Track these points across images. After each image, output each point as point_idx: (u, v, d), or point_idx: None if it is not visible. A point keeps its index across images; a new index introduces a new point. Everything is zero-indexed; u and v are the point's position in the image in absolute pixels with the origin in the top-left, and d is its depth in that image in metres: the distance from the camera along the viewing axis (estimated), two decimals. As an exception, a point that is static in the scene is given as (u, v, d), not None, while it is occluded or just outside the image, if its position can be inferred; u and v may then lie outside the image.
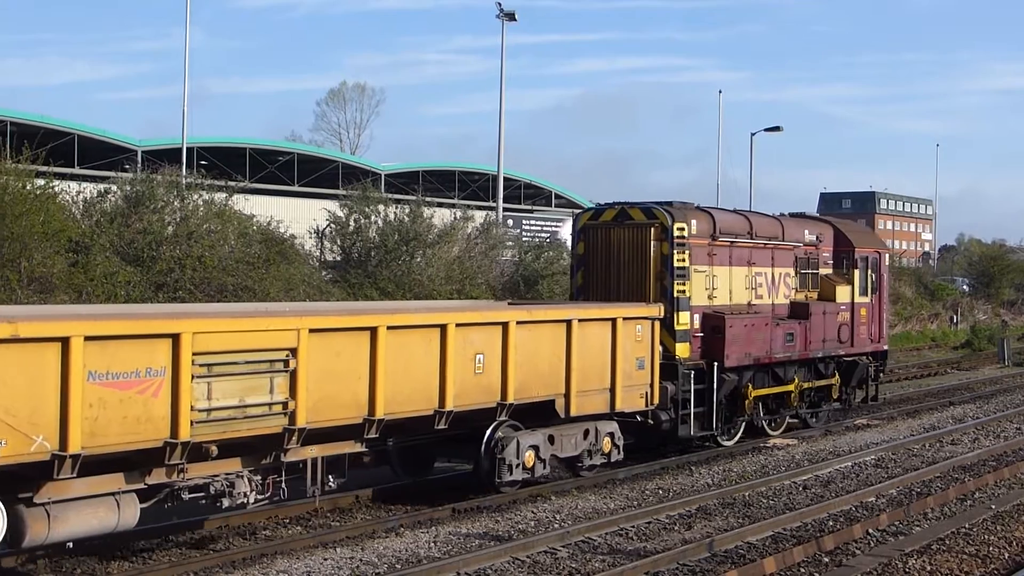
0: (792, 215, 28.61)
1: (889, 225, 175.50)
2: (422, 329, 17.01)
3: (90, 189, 32.29)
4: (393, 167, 74.14)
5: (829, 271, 27.84)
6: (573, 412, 19.37)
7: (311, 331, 15.20)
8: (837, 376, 27.58)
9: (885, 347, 30.07)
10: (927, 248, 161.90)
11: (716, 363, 23.04)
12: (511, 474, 18.46)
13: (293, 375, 14.93)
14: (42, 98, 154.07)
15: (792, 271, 26.41)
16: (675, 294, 22.57)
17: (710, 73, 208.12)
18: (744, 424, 24.95)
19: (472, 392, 17.70)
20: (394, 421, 16.60)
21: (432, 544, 16.03)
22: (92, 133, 58.33)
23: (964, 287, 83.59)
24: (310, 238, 41.37)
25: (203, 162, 53.37)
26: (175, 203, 32.27)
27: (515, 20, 49.31)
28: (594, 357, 19.79)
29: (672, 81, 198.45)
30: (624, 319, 20.39)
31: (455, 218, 42.10)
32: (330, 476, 16.36)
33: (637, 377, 20.78)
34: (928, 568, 14.88)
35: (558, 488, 19.92)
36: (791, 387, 25.81)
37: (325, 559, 15.07)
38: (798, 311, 26.11)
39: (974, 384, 39.91)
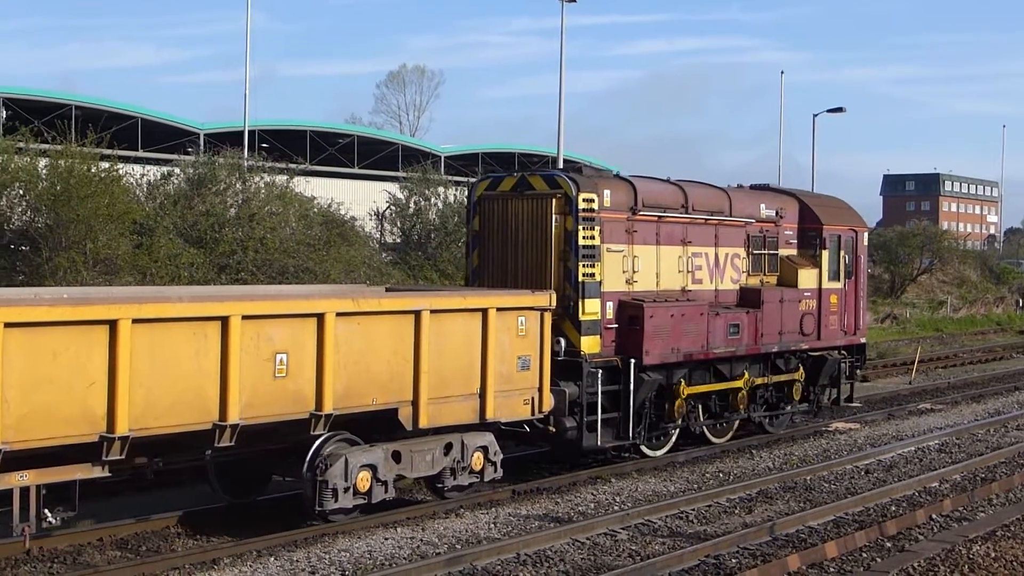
0: (754, 187, 24.73)
1: (954, 207, 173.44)
2: (191, 323, 13.69)
3: (153, 172, 32.64)
4: (452, 149, 74.20)
5: (793, 252, 24.01)
6: (424, 423, 16.15)
7: (7, 325, 12.09)
8: (801, 373, 23.87)
9: (862, 340, 25.83)
10: (992, 231, 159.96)
11: (633, 360, 19.56)
12: (336, 500, 15.31)
13: None
14: (106, 82, 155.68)
15: (742, 252, 22.65)
16: (580, 278, 19.00)
17: (773, 54, 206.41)
18: (678, 431, 21.27)
19: (271, 400, 14.49)
20: (151, 439, 13.48)
21: (492, 525, 16.08)
22: (155, 116, 58.86)
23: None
24: (370, 220, 41.56)
25: (264, 145, 53.70)
26: (237, 185, 32.56)
27: (575, 1, 49.11)
28: (455, 357, 16.60)
29: (734, 62, 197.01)
30: (498, 310, 17.09)
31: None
32: (48, 511, 13.00)
33: (519, 380, 17.53)
34: (992, 554, 14.71)
35: (618, 470, 19.90)
36: (739, 383, 22.12)
37: (386, 539, 15.17)
38: (748, 299, 22.44)
39: (1040, 368, 39.37)
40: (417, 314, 16.03)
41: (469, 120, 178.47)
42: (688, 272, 21.32)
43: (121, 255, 26.86)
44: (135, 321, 13.00)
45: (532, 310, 17.69)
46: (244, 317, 14.00)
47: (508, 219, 19.78)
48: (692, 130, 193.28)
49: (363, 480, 15.52)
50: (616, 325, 19.67)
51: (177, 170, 32.67)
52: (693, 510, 17.13)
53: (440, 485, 17.11)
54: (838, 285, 24.46)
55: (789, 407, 23.81)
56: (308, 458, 15.25)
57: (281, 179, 33.74)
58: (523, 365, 17.59)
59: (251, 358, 14.18)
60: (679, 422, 20.87)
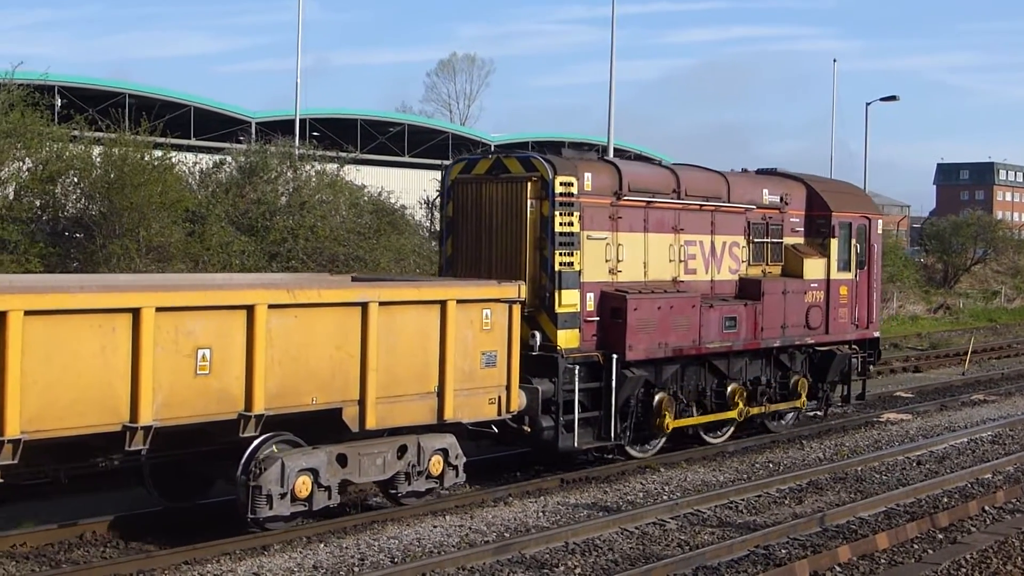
0: (760, 171, 23.41)
1: (1008, 196, 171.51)
2: (96, 315, 12.54)
3: (206, 160, 32.85)
4: (503, 138, 74.16)
5: (800, 240, 22.74)
6: (372, 424, 14.98)
7: None
8: (806, 370, 22.65)
9: (875, 334, 24.31)
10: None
11: (616, 356, 18.35)
12: (271, 507, 14.13)
13: None
14: (161, 71, 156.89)
15: (742, 240, 21.36)
16: (557, 267, 17.79)
17: (825, 42, 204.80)
18: (666, 434, 19.94)
19: (192, 400, 13.35)
20: (51, 441, 12.42)
21: (540, 514, 16.10)
22: (208, 105, 59.26)
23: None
24: (420, 208, 41.63)
25: (315, 133, 53.92)
26: (288, 174, 32.69)
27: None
28: (410, 352, 15.41)
29: (786, 50, 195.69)
30: (459, 302, 15.90)
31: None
32: None
33: (484, 377, 16.31)
34: (1046, 547, 14.57)
35: (667, 460, 19.85)
36: (734, 388, 20.81)
37: (435, 527, 15.23)
38: (748, 290, 21.12)
39: (1096, 360, 38.88)
40: (364, 306, 14.80)
41: (519, 109, 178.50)
42: (680, 262, 20.12)
43: (173, 243, 27.05)
44: (28, 313, 11.92)
45: (498, 302, 16.45)
46: (159, 309, 12.90)
47: (482, 204, 18.57)
48: (742, 119, 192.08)
49: (302, 485, 14.34)
50: (597, 318, 18.49)
51: (229, 158, 32.87)
52: (743, 500, 17.07)
53: (393, 491, 15.95)
54: (848, 276, 23.10)
55: (796, 404, 22.44)
56: (243, 461, 14.14)
57: (332, 167, 33.86)
58: (488, 361, 16.35)
59: (168, 354, 13.02)
60: (667, 420, 19.50)
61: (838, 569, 13.62)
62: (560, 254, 17.84)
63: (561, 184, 17.93)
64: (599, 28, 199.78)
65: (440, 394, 15.79)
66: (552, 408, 17.63)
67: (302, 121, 47.97)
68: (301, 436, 14.75)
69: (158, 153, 28.36)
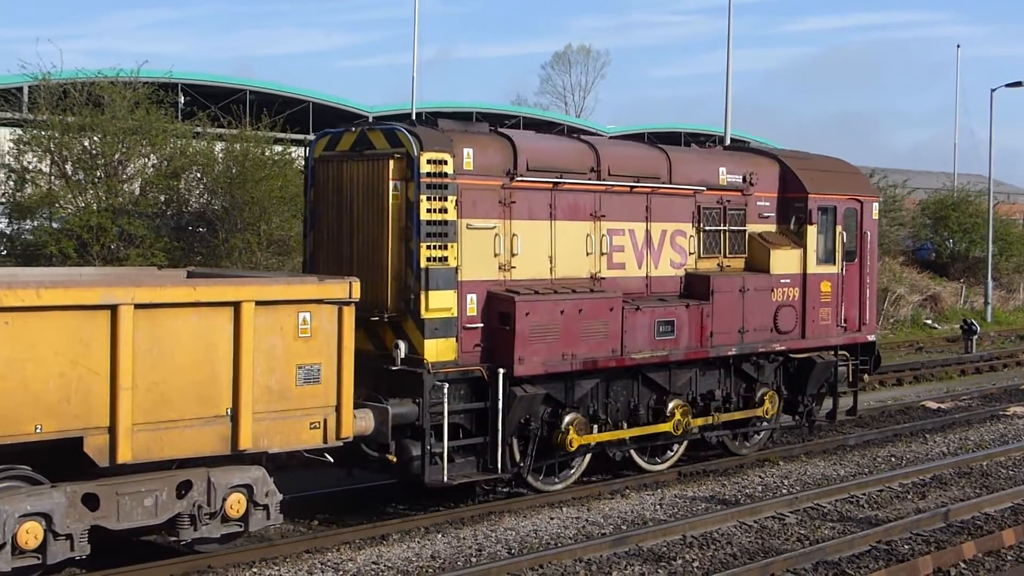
0: (730, 147, 20.52)
1: None
2: None
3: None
4: (618, 129, 73.87)
5: (771, 228, 19.26)
6: (126, 457, 11.91)
7: None
8: (779, 381, 19.34)
9: (870, 337, 20.60)
10: None
11: (503, 370, 15.22)
12: None
13: None
14: (282, 67, 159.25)
15: (690, 228, 17.93)
16: (423, 263, 14.65)
17: (950, 28, 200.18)
18: (587, 459, 16.90)
19: None
20: None
21: (657, 507, 16.05)
22: (326, 100, 60.00)
23: None
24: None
25: (432, 127, 54.24)
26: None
27: (742, -23, 48.44)
28: (187, 367, 12.34)
29: (911, 37, 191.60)
30: (260, 304, 12.75)
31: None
32: None
33: (301, 397, 13.18)
34: None
35: (787, 453, 19.63)
36: (676, 404, 17.48)
37: (551, 519, 15.26)
38: (694, 288, 17.80)
39: None
40: (113, 309, 11.80)
41: (636, 100, 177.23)
42: (602, 255, 16.78)
43: (294, 236, 27.46)
44: None
45: (322, 303, 13.32)
46: None
47: (343, 187, 15.51)
48: (865, 108, 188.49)
49: (28, 535, 11.48)
50: (482, 324, 15.31)
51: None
52: (864, 495, 16.83)
53: (174, 539, 12.91)
54: (832, 269, 19.57)
55: (767, 423, 19.26)
56: None
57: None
58: (308, 377, 13.24)
59: None
60: (581, 457, 16.73)
61: (963, 566, 13.37)
62: (428, 247, 14.68)
63: (429, 162, 14.77)
64: (716, 17, 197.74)
65: (235, 418, 12.66)
66: (423, 435, 14.66)
67: (418, 114, 48.36)
68: (48, 472, 11.97)
69: (278, 148, 28.83)
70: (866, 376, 21.56)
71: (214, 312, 12.52)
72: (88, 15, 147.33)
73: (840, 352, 20.02)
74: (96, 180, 24.80)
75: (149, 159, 26.09)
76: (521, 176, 15.79)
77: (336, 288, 13.43)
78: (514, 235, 15.73)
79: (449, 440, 14.76)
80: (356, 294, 13.55)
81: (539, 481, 16.32)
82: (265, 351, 12.84)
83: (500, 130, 16.34)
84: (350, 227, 15.34)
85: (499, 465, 15.30)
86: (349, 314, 13.49)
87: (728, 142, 39.89)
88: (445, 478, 14.83)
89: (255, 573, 12.93)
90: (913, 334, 40.46)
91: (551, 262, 16.23)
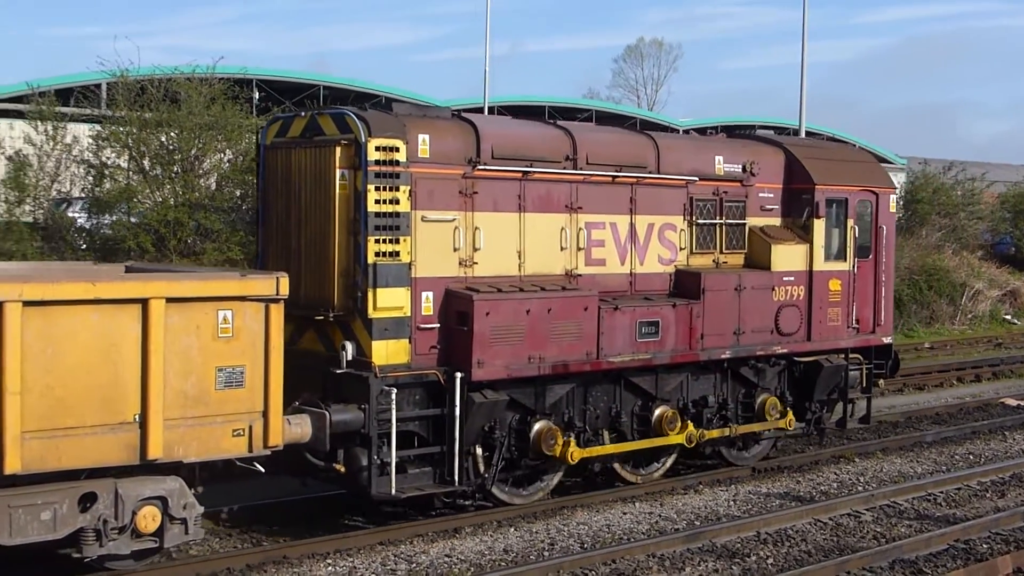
0: (734, 135, 19.74)
1: None
2: None
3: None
4: (691, 122, 73.55)
5: (775, 221, 18.05)
6: (15, 467, 10.97)
7: None
8: (783, 386, 18.12)
9: (886, 339, 19.13)
10: None
11: (461, 374, 14.14)
12: None
13: None
14: (358, 63, 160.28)
15: (680, 221, 16.77)
16: (371, 258, 13.64)
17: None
18: (562, 470, 15.79)
19: None
20: None
21: (731, 502, 15.97)
22: (398, 95, 60.32)
23: None
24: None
25: (504, 121, 54.33)
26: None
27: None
28: (87, 369, 11.32)
29: (989, 26, 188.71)
30: (171, 301, 11.74)
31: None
32: None
33: (222, 402, 12.13)
34: None
35: (862, 449, 19.44)
36: (663, 411, 16.35)
37: (624, 513, 15.25)
38: (684, 286, 16.66)
39: None
40: None
41: (709, 93, 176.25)
42: (579, 250, 15.66)
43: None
44: None
45: (246, 300, 12.23)
46: None
47: (291, 176, 14.50)
48: (944, 100, 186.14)
49: None
50: (438, 325, 14.28)
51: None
52: (941, 492, 16.62)
53: (79, 555, 11.75)
54: (842, 267, 18.24)
55: (766, 433, 18.06)
56: None
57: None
58: (229, 380, 12.19)
59: None
60: (559, 466, 15.61)
61: (1043, 565, 13.17)
62: (376, 241, 13.67)
63: (378, 149, 13.72)
64: (789, 9, 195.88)
65: (143, 425, 11.66)
66: (370, 443, 13.70)
67: (491, 108, 48.43)
68: None
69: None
70: (881, 382, 19.91)
71: (117, 310, 11.50)
72: (165, 12, 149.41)
73: (852, 356, 18.68)
74: (173, 175, 25.10)
75: (225, 154, 26.35)
76: (485, 164, 14.72)
77: (261, 284, 12.32)
78: (476, 228, 14.69)
79: (401, 449, 13.80)
80: (284, 291, 12.43)
81: (506, 492, 15.31)
82: (179, 352, 11.84)
83: (463, 115, 15.28)
84: (298, 219, 14.37)
85: (456, 477, 14.24)
86: (277, 312, 12.41)
87: (803, 134, 39.43)
88: (393, 490, 13.79)
89: (330, 564, 13.05)
90: (992, 330, 39.86)
91: (520, 257, 15.15)
